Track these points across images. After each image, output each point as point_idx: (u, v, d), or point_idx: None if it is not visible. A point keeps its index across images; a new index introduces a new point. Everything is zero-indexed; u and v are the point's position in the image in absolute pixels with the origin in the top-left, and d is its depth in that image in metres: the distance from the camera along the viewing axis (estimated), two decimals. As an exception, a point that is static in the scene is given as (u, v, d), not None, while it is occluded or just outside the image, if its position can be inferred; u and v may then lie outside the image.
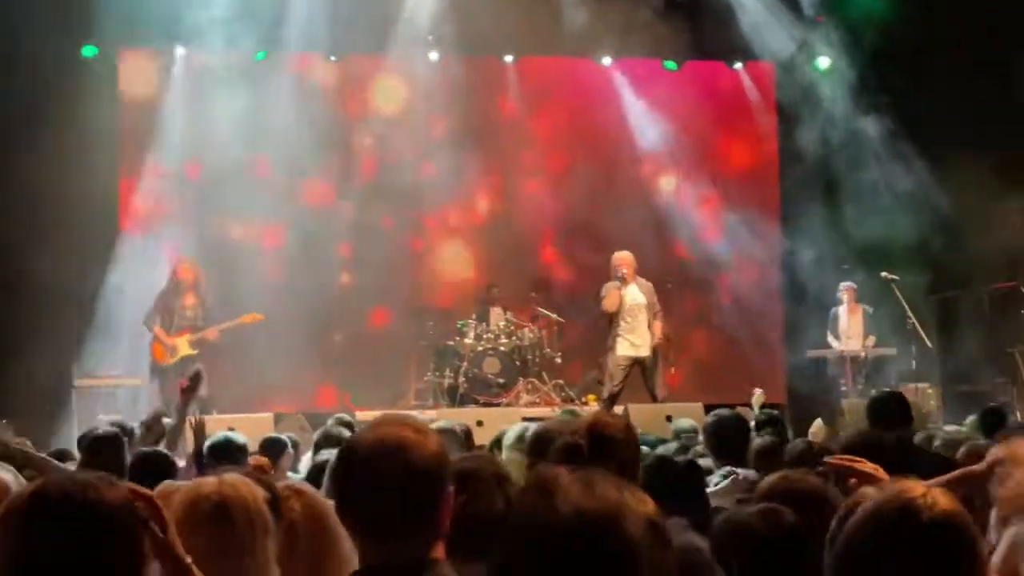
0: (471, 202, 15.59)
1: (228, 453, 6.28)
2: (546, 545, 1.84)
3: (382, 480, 2.50)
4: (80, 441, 6.89)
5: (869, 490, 2.71)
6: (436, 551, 2.54)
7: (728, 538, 3.40)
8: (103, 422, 8.60)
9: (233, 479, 3.11)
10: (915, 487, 2.10)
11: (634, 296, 12.67)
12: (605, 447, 3.46)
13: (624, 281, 12.64)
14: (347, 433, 7.15)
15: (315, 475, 5.48)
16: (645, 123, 15.75)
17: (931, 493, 2.08)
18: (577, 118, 15.83)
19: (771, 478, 3.92)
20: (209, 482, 3.07)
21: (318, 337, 14.68)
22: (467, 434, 7.23)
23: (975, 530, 2.08)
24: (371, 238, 14.93)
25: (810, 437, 10.80)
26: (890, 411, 6.88)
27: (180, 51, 14.78)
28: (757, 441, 6.42)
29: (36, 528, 2.44)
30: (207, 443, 6.56)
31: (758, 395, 12.48)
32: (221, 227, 14.60)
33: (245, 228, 14.79)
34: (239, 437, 6.64)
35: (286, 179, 14.77)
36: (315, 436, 7.28)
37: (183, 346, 12.68)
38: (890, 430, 6.57)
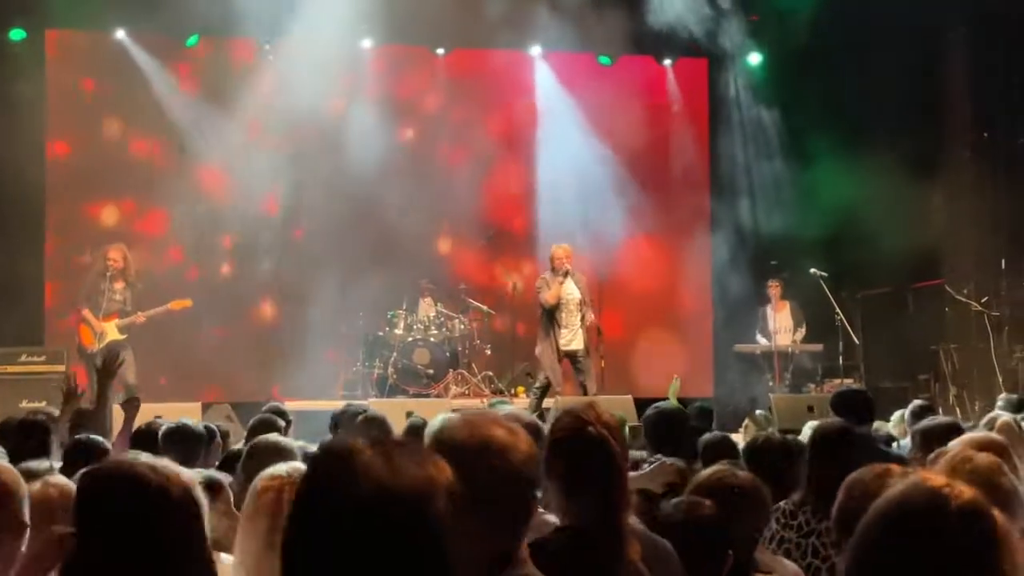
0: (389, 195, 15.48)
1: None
2: (345, 523, 1.75)
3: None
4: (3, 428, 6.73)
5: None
6: (523, 549, 2.54)
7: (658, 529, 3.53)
8: (24, 410, 8.43)
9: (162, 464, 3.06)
10: (937, 477, 2.07)
11: (570, 290, 12.69)
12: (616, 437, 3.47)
13: (565, 275, 12.61)
14: (281, 422, 7.07)
15: (229, 463, 5.46)
16: (573, 117, 15.78)
17: (955, 483, 2.05)
18: (504, 111, 15.83)
19: (705, 472, 4.06)
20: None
21: (245, 326, 14.55)
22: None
23: (1003, 519, 2.06)
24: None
25: (742, 431, 10.96)
26: (855, 407, 6.96)
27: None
28: (707, 436, 6.45)
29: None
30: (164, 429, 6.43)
31: (675, 383, 12.53)
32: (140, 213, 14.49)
33: (161, 215, 14.69)
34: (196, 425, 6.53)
35: (211, 168, 14.69)
36: (251, 422, 7.14)
37: (111, 331, 12.59)
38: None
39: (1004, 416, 6.53)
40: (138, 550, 2.48)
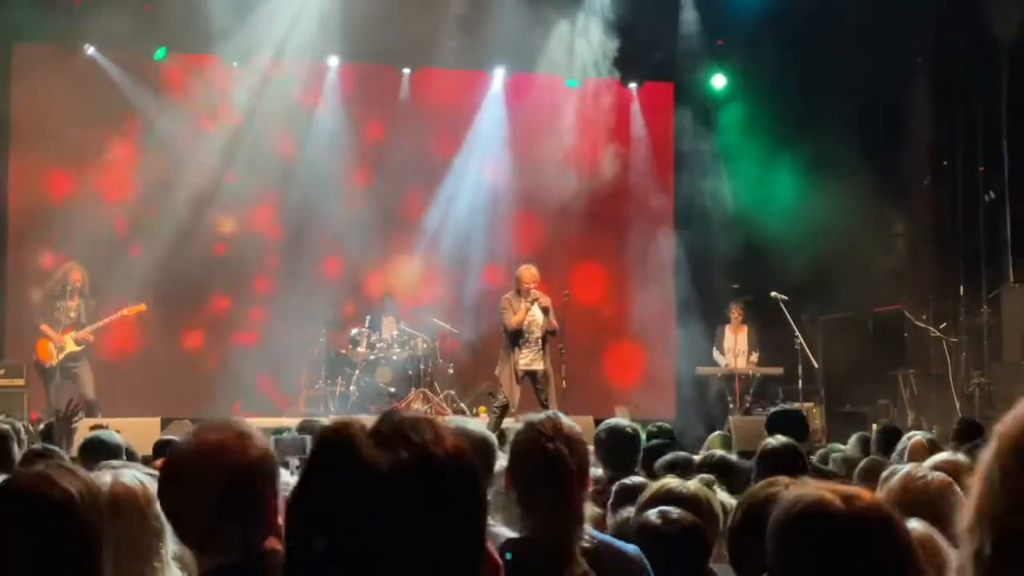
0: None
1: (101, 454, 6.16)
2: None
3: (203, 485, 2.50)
4: None
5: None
6: (270, 544, 2.52)
7: (639, 539, 3.57)
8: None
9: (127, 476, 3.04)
10: (835, 486, 2.12)
11: (534, 314, 12.67)
12: (574, 451, 3.47)
13: (533, 302, 12.54)
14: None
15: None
16: (537, 137, 15.89)
17: (846, 489, 2.10)
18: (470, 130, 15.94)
19: (653, 486, 4.09)
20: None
21: (208, 341, 14.52)
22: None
23: (900, 520, 2.10)
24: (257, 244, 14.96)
25: (702, 452, 10.98)
26: (788, 426, 7.03)
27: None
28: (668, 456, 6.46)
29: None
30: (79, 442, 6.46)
31: (622, 413, 12.60)
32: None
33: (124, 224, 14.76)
34: (113, 436, 6.52)
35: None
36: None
37: (69, 344, 12.54)
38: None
39: (917, 436, 6.64)
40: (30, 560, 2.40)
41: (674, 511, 3.64)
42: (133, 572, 2.75)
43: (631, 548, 3.51)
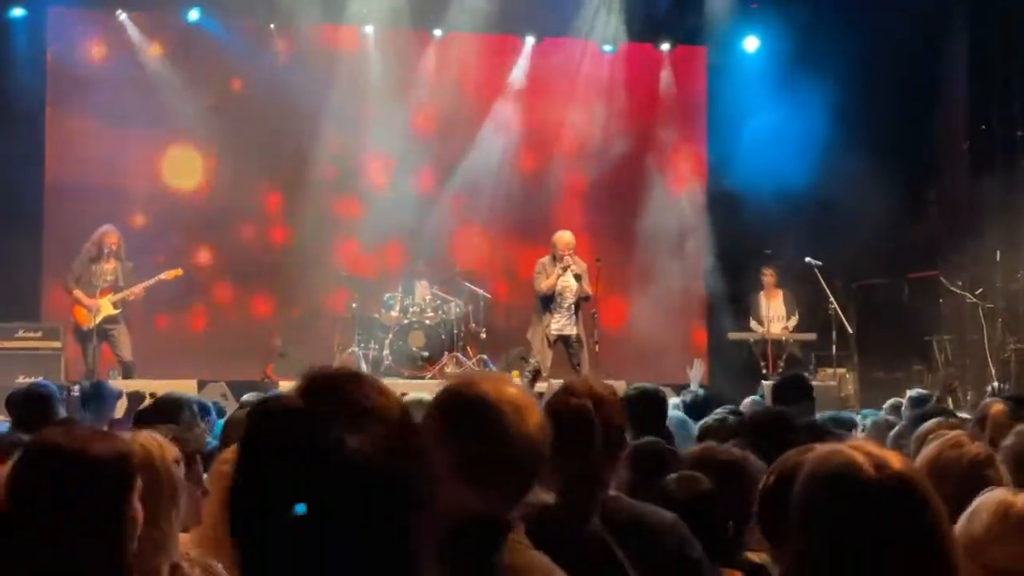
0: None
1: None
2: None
3: None
4: (8, 400, 6.81)
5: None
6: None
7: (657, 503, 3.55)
8: (23, 384, 8.49)
9: (144, 435, 3.06)
10: (854, 447, 2.09)
11: (567, 281, 12.72)
12: (604, 412, 3.44)
13: (566, 268, 12.63)
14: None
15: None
16: (573, 105, 15.85)
17: (875, 451, 2.07)
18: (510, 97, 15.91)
19: (695, 447, 4.08)
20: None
21: (240, 306, 14.63)
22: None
23: (928, 485, 2.08)
24: (294, 207, 15.00)
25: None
26: (791, 391, 7.04)
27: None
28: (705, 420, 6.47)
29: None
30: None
31: (697, 366, 12.60)
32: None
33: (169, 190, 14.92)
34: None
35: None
36: (244, 398, 7.23)
37: (105, 306, 12.65)
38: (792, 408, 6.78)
39: (999, 403, 6.45)
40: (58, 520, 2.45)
41: (693, 476, 3.64)
42: (146, 534, 2.72)
43: (667, 516, 3.47)
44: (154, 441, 3.01)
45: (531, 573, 2.40)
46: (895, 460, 2.07)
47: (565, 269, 12.59)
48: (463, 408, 2.48)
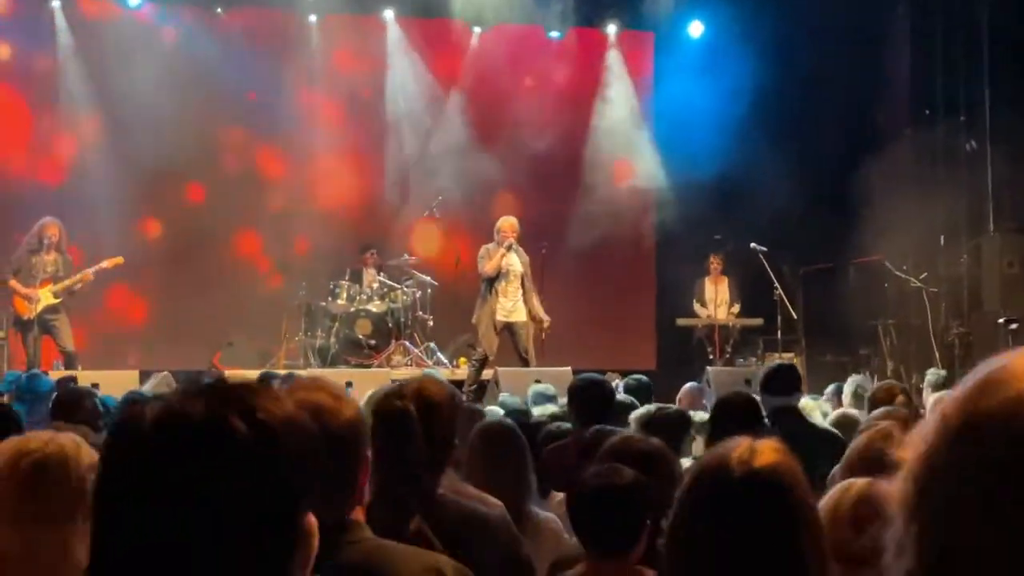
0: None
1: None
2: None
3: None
4: None
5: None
6: (356, 515, 2.55)
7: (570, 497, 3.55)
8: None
9: (65, 437, 2.94)
10: (741, 443, 2.07)
11: (511, 261, 12.69)
12: (432, 414, 3.49)
13: (509, 248, 12.62)
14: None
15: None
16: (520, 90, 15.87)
17: (753, 448, 2.05)
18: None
19: (614, 438, 4.04)
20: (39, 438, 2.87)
21: (186, 293, 14.51)
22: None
23: (796, 484, 2.06)
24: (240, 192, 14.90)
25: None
26: (781, 381, 7.02)
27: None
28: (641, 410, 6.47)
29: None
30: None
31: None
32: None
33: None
34: None
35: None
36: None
37: (46, 296, 12.46)
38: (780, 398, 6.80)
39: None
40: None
41: (615, 467, 3.61)
42: (53, 537, 2.64)
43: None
44: (72, 443, 2.94)
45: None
46: (762, 456, 2.05)
47: (509, 248, 12.59)
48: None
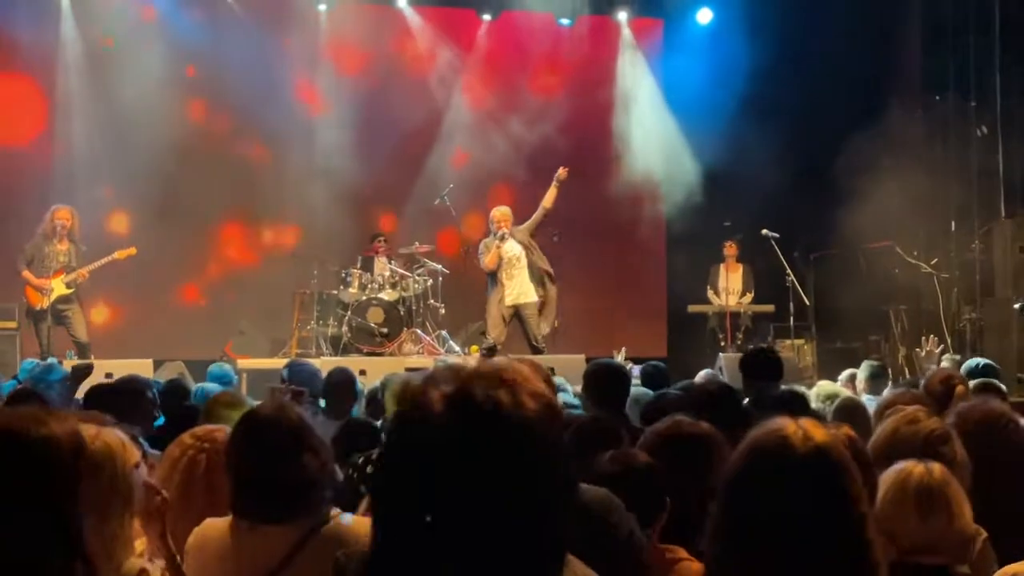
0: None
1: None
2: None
3: None
4: None
5: None
6: None
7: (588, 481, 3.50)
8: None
9: (109, 434, 2.96)
10: (789, 422, 2.12)
11: (511, 248, 12.77)
12: None
13: (503, 239, 12.72)
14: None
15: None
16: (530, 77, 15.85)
17: (805, 427, 2.10)
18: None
19: (660, 423, 3.96)
20: None
21: (198, 283, 14.52)
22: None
23: (850, 463, 2.10)
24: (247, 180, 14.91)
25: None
26: (761, 365, 7.07)
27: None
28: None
29: None
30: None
31: (622, 354, 12.67)
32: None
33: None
34: None
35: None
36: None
37: (58, 286, 12.47)
38: (762, 383, 6.82)
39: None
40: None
41: (628, 452, 3.60)
42: (97, 531, 2.65)
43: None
44: (118, 440, 2.94)
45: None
46: (818, 433, 2.11)
47: (503, 239, 12.69)
48: None
